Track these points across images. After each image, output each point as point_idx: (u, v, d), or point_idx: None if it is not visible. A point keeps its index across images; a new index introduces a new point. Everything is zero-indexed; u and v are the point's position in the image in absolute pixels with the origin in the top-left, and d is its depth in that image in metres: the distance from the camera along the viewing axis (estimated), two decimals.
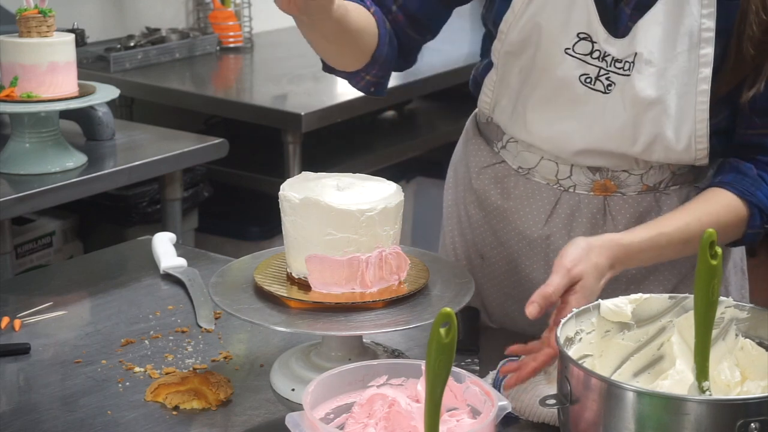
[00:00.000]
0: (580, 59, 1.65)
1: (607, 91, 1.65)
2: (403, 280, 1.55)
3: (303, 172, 1.61)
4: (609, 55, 1.64)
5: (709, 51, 1.61)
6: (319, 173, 1.60)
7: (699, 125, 1.64)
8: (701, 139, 1.65)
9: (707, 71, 1.61)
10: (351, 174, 1.61)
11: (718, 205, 1.63)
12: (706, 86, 1.62)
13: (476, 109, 1.87)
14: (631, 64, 1.63)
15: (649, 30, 1.62)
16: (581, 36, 1.64)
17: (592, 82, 1.65)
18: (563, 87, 1.67)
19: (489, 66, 1.76)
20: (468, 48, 3.86)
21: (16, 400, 1.58)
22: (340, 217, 1.49)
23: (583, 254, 1.50)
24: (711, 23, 1.60)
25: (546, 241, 1.78)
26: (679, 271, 1.77)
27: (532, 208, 1.78)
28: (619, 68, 1.64)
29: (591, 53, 1.64)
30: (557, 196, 1.76)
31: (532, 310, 1.45)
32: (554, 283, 1.48)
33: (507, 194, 1.81)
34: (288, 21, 1.65)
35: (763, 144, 1.66)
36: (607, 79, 1.65)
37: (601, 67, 1.65)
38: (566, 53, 1.65)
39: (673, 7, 1.61)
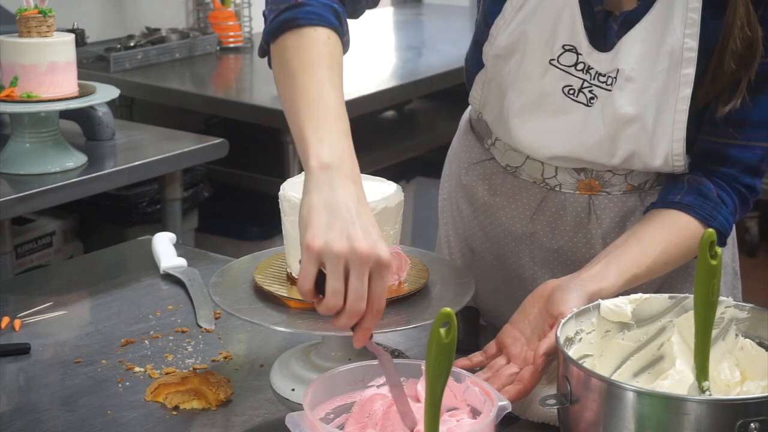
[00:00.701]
0: (564, 70, 1.64)
1: (590, 104, 1.64)
2: (403, 280, 1.55)
3: (303, 172, 1.60)
4: (593, 68, 1.63)
5: (690, 71, 1.59)
6: None
7: (676, 144, 1.63)
8: (678, 156, 1.64)
9: (687, 91, 1.60)
10: None
11: (681, 234, 1.61)
12: (685, 106, 1.61)
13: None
14: (614, 80, 1.62)
15: (632, 47, 1.61)
16: (566, 47, 1.64)
17: (575, 94, 1.65)
18: (546, 96, 1.66)
19: (480, 63, 1.75)
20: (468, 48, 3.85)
21: (16, 400, 1.58)
22: None
23: (581, 304, 1.48)
24: (694, 43, 1.59)
25: (531, 237, 1.79)
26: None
27: (517, 205, 1.79)
28: (602, 82, 1.63)
29: (575, 65, 1.64)
30: (543, 194, 1.77)
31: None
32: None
33: (494, 191, 1.82)
34: None
35: (726, 154, 1.64)
36: (590, 92, 1.64)
37: (584, 80, 1.64)
38: (551, 64, 1.64)
39: (656, 25, 1.60)
